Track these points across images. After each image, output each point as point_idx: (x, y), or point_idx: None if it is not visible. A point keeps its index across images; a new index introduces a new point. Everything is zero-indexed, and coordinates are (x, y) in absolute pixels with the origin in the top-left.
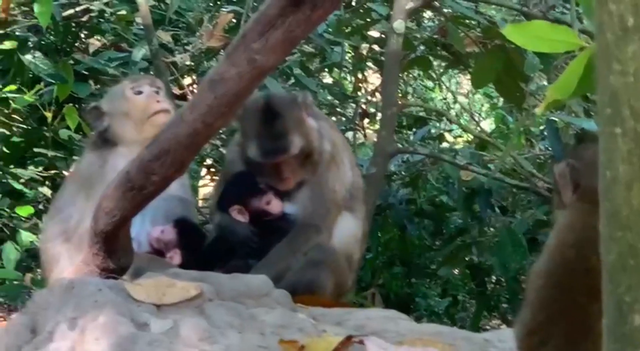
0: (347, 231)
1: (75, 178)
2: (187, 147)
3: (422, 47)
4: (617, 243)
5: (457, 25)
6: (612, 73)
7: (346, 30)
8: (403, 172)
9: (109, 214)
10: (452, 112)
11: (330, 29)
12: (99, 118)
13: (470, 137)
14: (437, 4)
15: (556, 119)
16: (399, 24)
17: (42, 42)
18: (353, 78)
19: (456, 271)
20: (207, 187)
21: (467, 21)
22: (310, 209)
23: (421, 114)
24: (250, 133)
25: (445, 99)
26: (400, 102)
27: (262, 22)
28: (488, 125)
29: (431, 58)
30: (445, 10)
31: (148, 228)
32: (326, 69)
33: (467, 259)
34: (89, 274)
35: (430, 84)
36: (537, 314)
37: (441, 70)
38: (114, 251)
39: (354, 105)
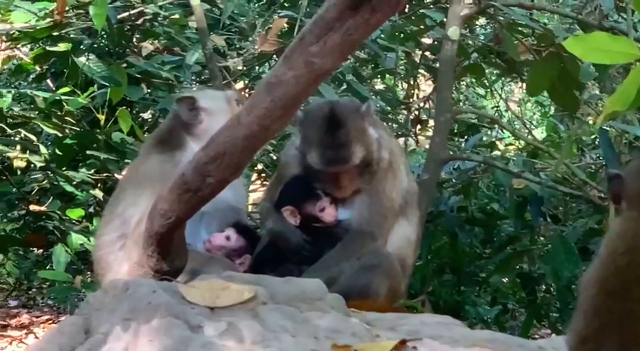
0: (401, 235)
1: (138, 178)
2: (243, 149)
3: (475, 55)
4: None
5: (511, 33)
6: None
7: (400, 37)
8: (454, 180)
9: (164, 216)
10: (504, 121)
11: (383, 36)
12: (193, 111)
13: (522, 145)
14: (491, 11)
15: (608, 129)
16: (453, 31)
17: (96, 45)
18: (405, 85)
19: (505, 280)
20: (257, 192)
21: (521, 29)
22: (366, 217)
23: (473, 121)
24: (312, 140)
25: (497, 107)
26: (453, 109)
27: (320, 25)
28: (539, 133)
29: (484, 66)
30: (499, 17)
31: (203, 234)
32: (378, 76)
33: (517, 267)
34: (143, 276)
35: (481, 91)
36: (591, 322)
37: (493, 78)
38: (168, 253)
39: (405, 112)
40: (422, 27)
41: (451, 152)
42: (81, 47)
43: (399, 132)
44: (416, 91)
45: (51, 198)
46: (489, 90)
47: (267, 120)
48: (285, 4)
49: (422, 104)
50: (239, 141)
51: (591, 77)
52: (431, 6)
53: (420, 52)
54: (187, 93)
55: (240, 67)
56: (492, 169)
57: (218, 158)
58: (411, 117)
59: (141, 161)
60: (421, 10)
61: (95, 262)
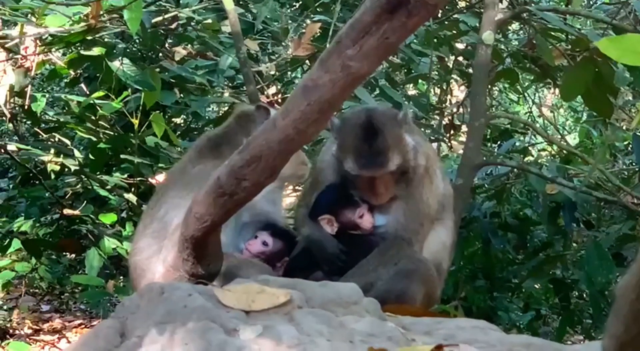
0: (437, 239)
1: (186, 181)
2: (279, 153)
3: (508, 60)
4: None
5: (545, 38)
6: None
7: (434, 41)
8: (487, 185)
9: (199, 220)
10: (537, 126)
11: (417, 41)
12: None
13: (555, 151)
14: (525, 16)
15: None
16: (488, 35)
17: (129, 50)
18: (437, 90)
19: (538, 286)
20: (290, 197)
21: (556, 34)
22: (403, 223)
23: (506, 127)
24: (349, 147)
25: (530, 112)
26: (487, 114)
27: (356, 28)
28: (572, 139)
29: (518, 71)
30: (533, 22)
31: (242, 246)
32: (411, 81)
33: (550, 273)
34: (178, 280)
35: (514, 97)
36: (631, 327)
37: (526, 83)
38: (204, 257)
39: (437, 117)
40: (455, 32)
41: (484, 158)
42: (114, 51)
43: (432, 137)
44: (449, 96)
45: (84, 202)
46: (521, 95)
47: (303, 124)
48: (318, 9)
49: (455, 109)
50: (275, 144)
51: (626, 82)
52: (465, 11)
53: (454, 57)
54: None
55: (272, 72)
56: (525, 174)
57: (254, 162)
58: (444, 122)
59: (190, 164)
60: (455, 15)
61: (131, 267)
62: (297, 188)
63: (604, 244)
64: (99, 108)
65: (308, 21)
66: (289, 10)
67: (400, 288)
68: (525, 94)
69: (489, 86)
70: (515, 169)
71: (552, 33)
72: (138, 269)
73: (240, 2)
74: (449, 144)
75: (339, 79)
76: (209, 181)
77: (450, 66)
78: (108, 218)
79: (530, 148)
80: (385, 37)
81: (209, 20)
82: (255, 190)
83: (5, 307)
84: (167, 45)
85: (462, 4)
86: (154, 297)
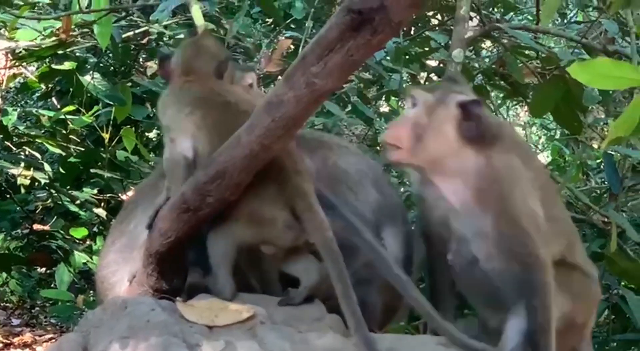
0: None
1: (154, 196)
2: (243, 169)
3: (480, 77)
4: None
5: (515, 56)
6: None
7: (405, 58)
8: None
9: (163, 235)
10: None
11: (388, 57)
12: None
13: None
14: (496, 34)
15: (613, 153)
16: (457, 53)
17: (101, 64)
18: None
19: None
20: None
21: (526, 52)
22: None
23: None
24: None
25: None
26: None
27: (321, 45)
28: (545, 157)
29: (489, 88)
30: (504, 40)
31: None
32: (383, 97)
33: None
34: (142, 295)
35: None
36: None
37: (499, 101)
38: (168, 272)
39: None
40: (426, 49)
41: None
42: (87, 65)
43: None
44: None
45: (55, 216)
46: (494, 113)
47: (268, 140)
48: (292, 25)
49: None
50: (239, 160)
51: (595, 100)
52: (436, 28)
53: (426, 74)
54: None
55: None
56: None
57: (218, 178)
58: None
59: (161, 179)
60: (426, 33)
61: (98, 281)
62: None
63: None
64: (69, 123)
65: (282, 37)
66: (261, 26)
67: (359, 296)
68: (497, 112)
69: None
70: None
71: (523, 51)
72: (105, 283)
73: (213, 18)
74: None
75: (303, 96)
76: (173, 196)
77: (422, 83)
78: (79, 232)
79: None
80: (350, 55)
81: (182, 36)
82: (220, 206)
83: None
84: (140, 60)
85: (434, 21)
86: (117, 311)
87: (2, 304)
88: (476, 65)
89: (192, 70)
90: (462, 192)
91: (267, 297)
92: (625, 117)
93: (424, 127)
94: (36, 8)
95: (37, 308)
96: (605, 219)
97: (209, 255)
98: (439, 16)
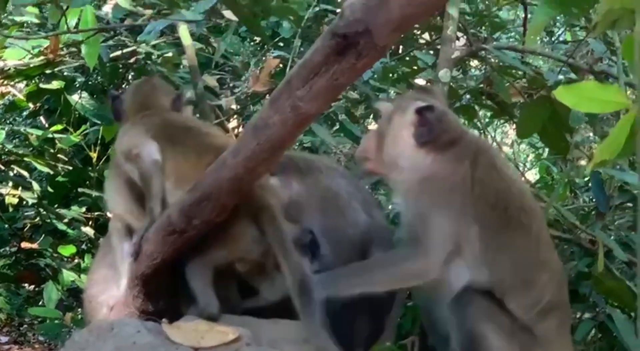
0: None
1: None
2: (228, 192)
3: (468, 96)
4: None
5: (502, 75)
6: None
7: (392, 78)
8: None
9: (149, 257)
10: None
11: (375, 76)
12: None
13: None
14: (483, 53)
15: (600, 171)
16: (444, 73)
17: (89, 83)
18: None
19: None
20: None
21: (513, 71)
22: None
23: None
24: None
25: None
26: None
27: (306, 69)
28: (533, 175)
29: (477, 107)
30: (491, 60)
31: None
32: (371, 116)
33: None
34: (128, 316)
35: (476, 133)
36: None
37: (487, 119)
38: (154, 294)
39: None
40: (415, 68)
41: None
42: (75, 84)
43: None
44: None
45: (43, 234)
46: (482, 131)
47: (253, 162)
48: (280, 44)
49: None
50: (225, 183)
51: (581, 121)
52: (425, 47)
53: None
54: None
55: (233, 106)
56: None
57: (203, 200)
58: None
59: None
60: (413, 52)
61: (86, 300)
62: None
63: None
64: (57, 141)
65: (270, 55)
66: (250, 45)
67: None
68: (486, 131)
69: None
70: None
71: (510, 71)
72: (93, 302)
73: (201, 37)
74: None
75: (288, 119)
76: (159, 219)
77: None
78: (67, 250)
79: None
80: (335, 79)
81: (170, 54)
82: (205, 228)
83: None
84: (129, 78)
85: (422, 41)
86: (104, 333)
87: None
88: (464, 84)
89: (150, 105)
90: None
91: (252, 319)
92: (610, 140)
93: (385, 134)
94: (25, 26)
95: (25, 326)
96: (592, 238)
97: (188, 281)
98: (427, 36)
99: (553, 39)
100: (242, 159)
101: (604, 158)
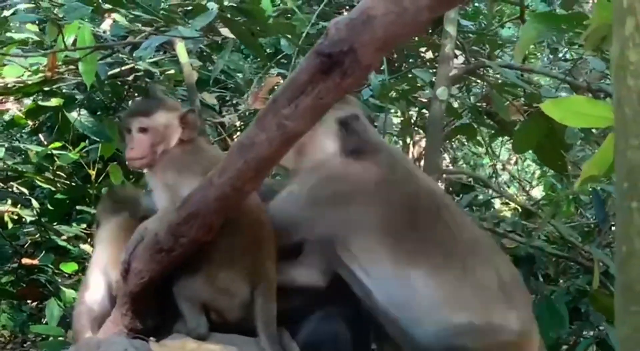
0: None
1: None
2: (215, 210)
3: (469, 114)
4: (631, 317)
5: (501, 93)
6: (629, 148)
7: (392, 96)
8: None
9: (137, 276)
10: (503, 179)
11: (374, 95)
12: None
13: (517, 205)
14: (481, 71)
15: (601, 188)
16: (442, 91)
17: (92, 99)
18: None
19: None
20: None
21: (511, 89)
22: None
23: (468, 181)
24: None
25: (494, 165)
26: (442, 169)
27: (292, 88)
28: (539, 192)
29: (476, 126)
30: (490, 78)
31: None
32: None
33: None
34: (117, 334)
35: (481, 150)
36: None
37: (489, 137)
38: (142, 312)
39: None
40: (413, 86)
41: None
42: (76, 101)
43: None
44: (413, 149)
45: (43, 251)
46: (485, 149)
47: (239, 181)
48: (283, 61)
49: (415, 163)
50: (212, 202)
51: (577, 138)
52: (427, 63)
53: (417, 110)
54: None
55: (237, 123)
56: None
57: (191, 219)
58: None
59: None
60: (412, 70)
61: (75, 318)
62: None
63: (560, 299)
64: (56, 159)
65: (273, 72)
66: (252, 62)
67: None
68: (490, 148)
69: (455, 140)
70: None
71: (508, 88)
72: (83, 319)
73: (203, 54)
74: None
75: (275, 138)
76: (147, 237)
77: (412, 120)
78: (69, 267)
79: (496, 201)
80: (320, 97)
81: (172, 71)
82: (193, 247)
83: None
84: (129, 94)
85: (424, 57)
86: None
87: None
88: (464, 102)
89: None
90: None
91: (239, 337)
92: (598, 156)
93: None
94: (23, 44)
95: (28, 343)
96: (590, 256)
97: (176, 300)
98: (429, 53)
99: (552, 57)
100: (229, 178)
101: (592, 174)
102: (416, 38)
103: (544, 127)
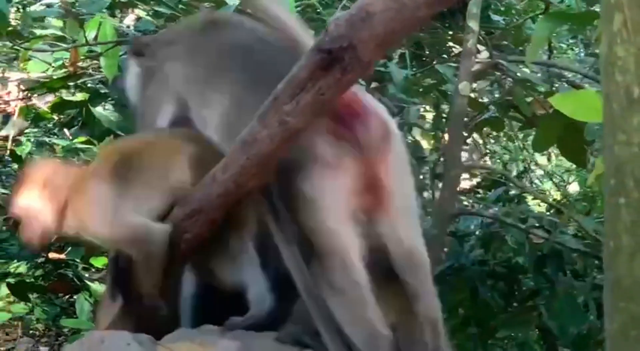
0: None
1: None
2: (218, 207)
3: (494, 108)
4: (620, 313)
5: (524, 88)
6: (617, 143)
7: (419, 90)
8: (477, 233)
9: None
10: (536, 174)
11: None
12: None
13: (552, 198)
14: (504, 66)
15: None
16: (464, 86)
17: (115, 95)
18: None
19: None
20: None
21: (532, 84)
22: None
23: (498, 175)
24: None
25: (525, 160)
26: (464, 164)
27: (293, 84)
28: (577, 187)
29: (505, 119)
30: (512, 72)
31: None
32: (404, 128)
33: (538, 322)
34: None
35: (511, 145)
36: None
37: (518, 129)
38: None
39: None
40: (439, 80)
41: (468, 206)
42: (101, 96)
43: (421, 186)
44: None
45: (71, 245)
46: (516, 142)
47: (242, 178)
48: None
49: (440, 158)
50: (215, 198)
51: (597, 134)
52: (453, 59)
53: (447, 104)
54: None
55: None
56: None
57: (194, 215)
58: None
59: None
60: (436, 65)
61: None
62: None
63: (588, 295)
64: (81, 153)
65: None
66: None
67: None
68: (521, 142)
69: (486, 135)
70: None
71: (532, 83)
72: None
73: None
74: (432, 193)
75: (276, 134)
76: None
77: (443, 115)
78: (99, 262)
79: (528, 195)
80: (321, 93)
81: None
82: (196, 242)
83: (2, 349)
84: None
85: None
86: (94, 346)
87: (29, 331)
88: (486, 97)
89: None
90: None
91: (245, 332)
92: None
93: None
94: (47, 39)
95: (62, 336)
96: None
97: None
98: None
99: (588, 51)
100: (231, 174)
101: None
102: (449, 33)
103: (563, 123)
